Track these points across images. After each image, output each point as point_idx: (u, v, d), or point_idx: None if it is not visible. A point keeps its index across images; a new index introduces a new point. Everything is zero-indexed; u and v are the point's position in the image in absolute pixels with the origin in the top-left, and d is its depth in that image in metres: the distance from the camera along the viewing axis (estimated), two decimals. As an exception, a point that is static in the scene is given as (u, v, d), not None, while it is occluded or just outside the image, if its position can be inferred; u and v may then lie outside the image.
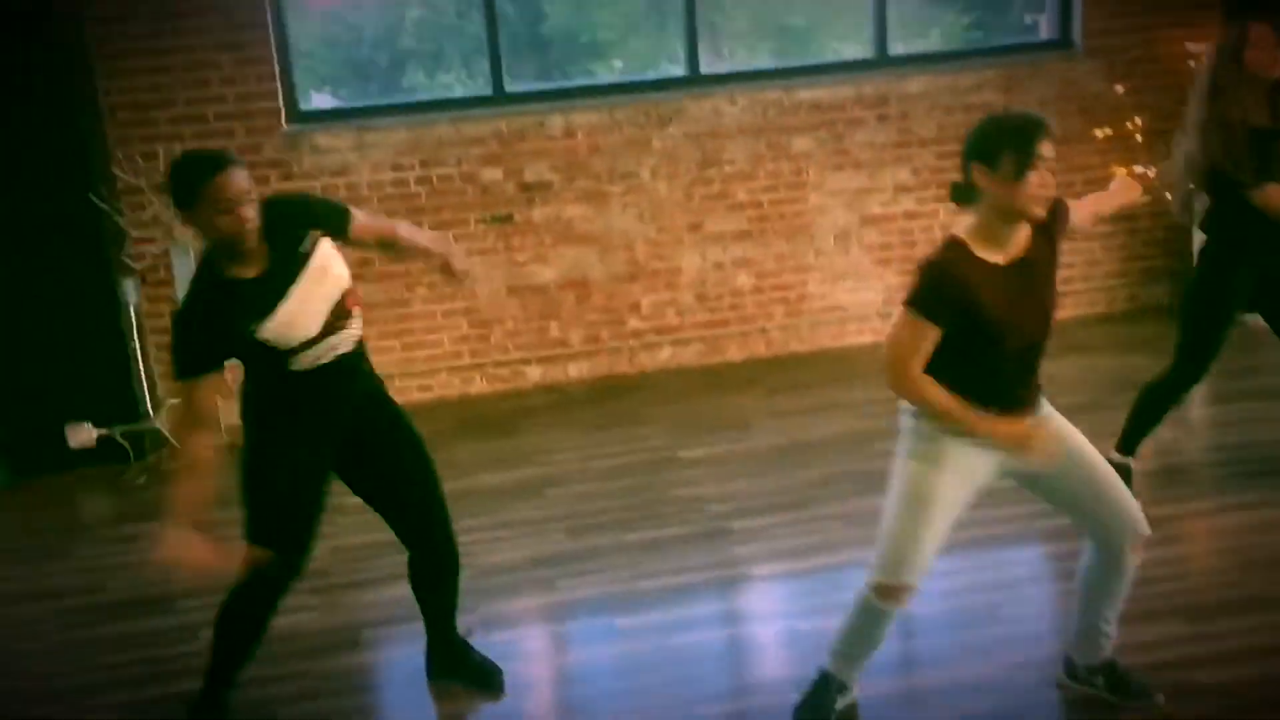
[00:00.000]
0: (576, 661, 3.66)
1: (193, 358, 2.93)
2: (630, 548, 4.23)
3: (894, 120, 6.23)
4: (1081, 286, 6.60)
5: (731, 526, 4.33)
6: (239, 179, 2.81)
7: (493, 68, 5.95)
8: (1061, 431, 2.87)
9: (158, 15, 5.47)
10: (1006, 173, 2.59)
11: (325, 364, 3.01)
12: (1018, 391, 2.81)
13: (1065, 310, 6.56)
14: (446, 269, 3.28)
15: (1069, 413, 5.17)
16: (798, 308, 6.30)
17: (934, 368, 2.73)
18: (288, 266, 2.94)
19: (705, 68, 6.16)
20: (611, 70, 6.63)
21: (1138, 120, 6.34)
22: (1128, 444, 4.29)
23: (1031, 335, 2.76)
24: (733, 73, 6.29)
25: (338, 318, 3.00)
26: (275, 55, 5.67)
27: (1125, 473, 4.05)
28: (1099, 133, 6.37)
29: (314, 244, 2.98)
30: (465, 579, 4.02)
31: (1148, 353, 5.94)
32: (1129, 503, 2.89)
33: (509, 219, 5.99)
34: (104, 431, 5.39)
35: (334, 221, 3.08)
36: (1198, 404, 5.28)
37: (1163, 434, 4.87)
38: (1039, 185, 2.60)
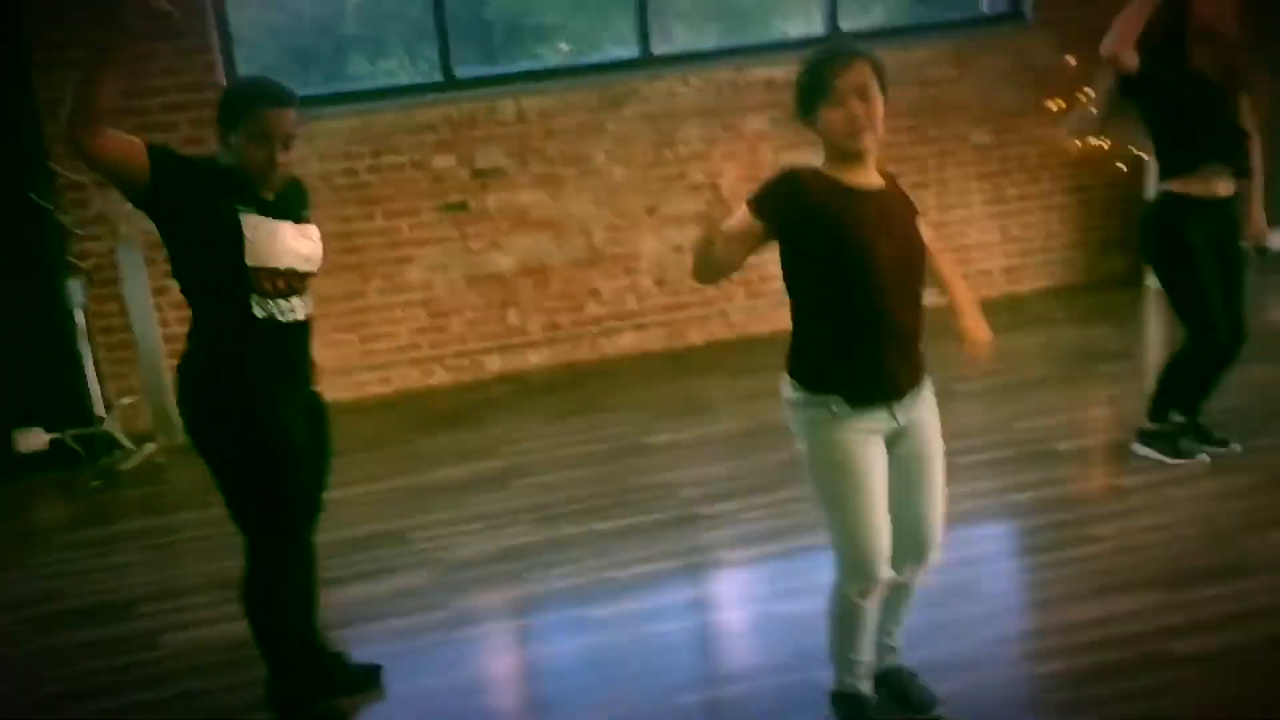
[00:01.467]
0: (550, 654, 3.60)
1: (167, 154, 2.76)
2: (600, 537, 4.17)
3: (849, 97, 6.19)
4: (1040, 259, 6.63)
5: (702, 512, 4.29)
6: (289, 120, 2.79)
7: (441, 53, 5.85)
8: (923, 433, 2.71)
9: (94, 4, 5.30)
10: (814, 113, 2.54)
11: (286, 324, 2.91)
12: (891, 360, 2.60)
13: (1023, 284, 6.60)
14: None
15: (1031, 386, 5.21)
16: (758, 289, 6.26)
17: (810, 310, 2.64)
18: (293, 207, 2.95)
19: (656, 49, 6.09)
20: (557, 54, 6.55)
21: (1089, 91, 6.38)
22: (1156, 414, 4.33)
23: (899, 276, 2.56)
24: (684, 53, 6.24)
25: (301, 279, 2.93)
26: (217, 45, 5.53)
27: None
28: (1052, 105, 6.41)
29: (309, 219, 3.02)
30: (435, 575, 3.99)
31: (1108, 323, 6.01)
32: (929, 527, 2.74)
33: (463, 207, 5.90)
34: (55, 435, 5.25)
35: None
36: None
37: (1128, 406, 4.90)
38: (840, 117, 2.50)
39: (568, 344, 6.17)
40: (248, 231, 2.79)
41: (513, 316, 6.07)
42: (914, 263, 2.62)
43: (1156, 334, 5.88)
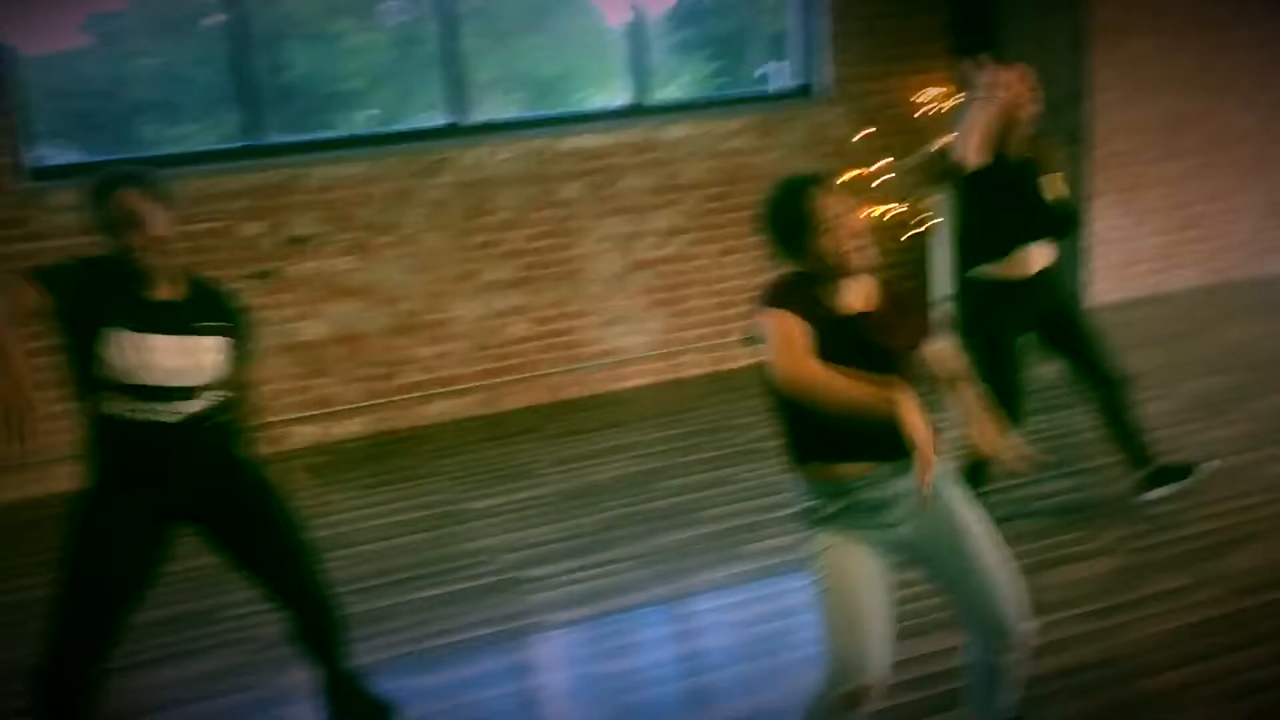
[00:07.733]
0: (372, 729, 3.52)
1: (53, 275, 2.77)
2: (420, 606, 4.12)
3: (658, 166, 6.39)
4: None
5: (523, 576, 4.29)
6: (129, 200, 2.77)
7: (250, 119, 5.76)
8: (956, 511, 2.67)
9: None
10: (801, 252, 2.56)
11: (140, 422, 2.86)
12: (876, 433, 2.48)
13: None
14: None
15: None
16: (574, 353, 6.34)
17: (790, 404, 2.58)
18: (194, 315, 2.90)
19: (468, 118, 6.15)
20: (361, 122, 6.53)
21: (883, 162, 6.78)
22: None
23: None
24: (497, 122, 6.31)
25: (173, 390, 2.89)
26: (3, 108, 5.30)
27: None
28: (848, 175, 6.76)
29: (220, 331, 2.96)
30: (247, 653, 3.86)
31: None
32: (1007, 604, 2.67)
33: (273, 274, 5.79)
34: None
35: (244, 345, 3.10)
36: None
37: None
38: (836, 242, 2.51)
39: (383, 411, 6.09)
40: (109, 350, 2.78)
41: (326, 385, 5.96)
42: (893, 360, 2.58)
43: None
